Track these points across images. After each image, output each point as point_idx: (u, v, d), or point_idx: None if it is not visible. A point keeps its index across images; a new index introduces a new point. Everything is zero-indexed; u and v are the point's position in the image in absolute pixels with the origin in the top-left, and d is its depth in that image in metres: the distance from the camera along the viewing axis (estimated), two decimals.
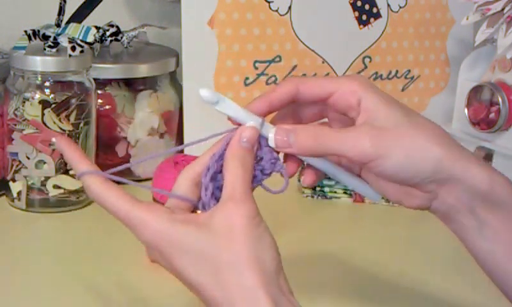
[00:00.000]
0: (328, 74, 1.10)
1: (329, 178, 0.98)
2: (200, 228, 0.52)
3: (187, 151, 0.98)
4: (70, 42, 0.90)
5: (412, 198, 0.59)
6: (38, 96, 0.90)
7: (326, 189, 0.98)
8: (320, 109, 0.63)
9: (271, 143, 0.58)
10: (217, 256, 0.51)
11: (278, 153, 0.59)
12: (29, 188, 0.91)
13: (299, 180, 0.99)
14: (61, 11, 0.95)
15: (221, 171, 0.56)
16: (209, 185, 0.55)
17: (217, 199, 0.55)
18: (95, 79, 0.94)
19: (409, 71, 1.16)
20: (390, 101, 0.59)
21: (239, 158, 0.55)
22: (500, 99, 1.00)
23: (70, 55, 0.89)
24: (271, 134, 0.58)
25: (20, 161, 0.91)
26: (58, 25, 0.95)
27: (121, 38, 1.03)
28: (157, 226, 0.53)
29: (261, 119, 0.58)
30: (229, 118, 0.58)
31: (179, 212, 0.55)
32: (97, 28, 0.99)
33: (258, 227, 0.52)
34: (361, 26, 1.13)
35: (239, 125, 0.58)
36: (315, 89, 0.60)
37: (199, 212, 0.56)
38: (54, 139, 0.58)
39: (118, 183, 0.56)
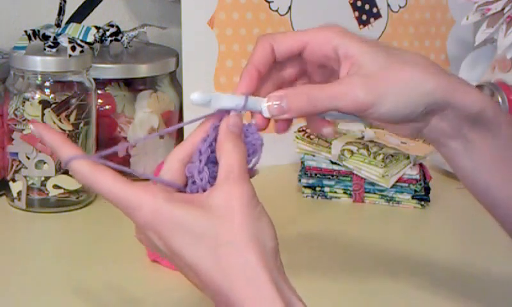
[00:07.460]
0: None
1: (329, 178, 0.98)
2: (198, 207, 0.51)
3: None
4: (70, 42, 0.90)
5: (402, 129, 0.60)
6: (38, 96, 0.89)
7: (326, 189, 0.98)
8: (299, 66, 0.61)
9: (265, 113, 0.57)
10: (216, 236, 0.50)
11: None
12: (29, 188, 0.91)
13: (299, 180, 0.99)
14: (61, 11, 0.95)
15: (210, 158, 0.56)
16: (204, 169, 0.55)
17: (211, 185, 0.54)
18: (95, 79, 0.94)
19: None
20: (370, 44, 0.58)
21: (233, 141, 0.55)
22: (500, 99, 1.00)
23: (70, 55, 0.89)
24: (264, 104, 0.57)
25: (20, 161, 0.91)
26: (58, 25, 0.95)
27: (121, 38, 1.03)
28: (154, 206, 0.51)
29: (245, 97, 0.57)
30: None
31: (175, 192, 0.54)
32: (97, 28, 0.99)
33: (257, 207, 0.52)
34: (361, 26, 1.13)
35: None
36: (288, 42, 0.59)
37: None
38: (31, 126, 0.56)
39: None
